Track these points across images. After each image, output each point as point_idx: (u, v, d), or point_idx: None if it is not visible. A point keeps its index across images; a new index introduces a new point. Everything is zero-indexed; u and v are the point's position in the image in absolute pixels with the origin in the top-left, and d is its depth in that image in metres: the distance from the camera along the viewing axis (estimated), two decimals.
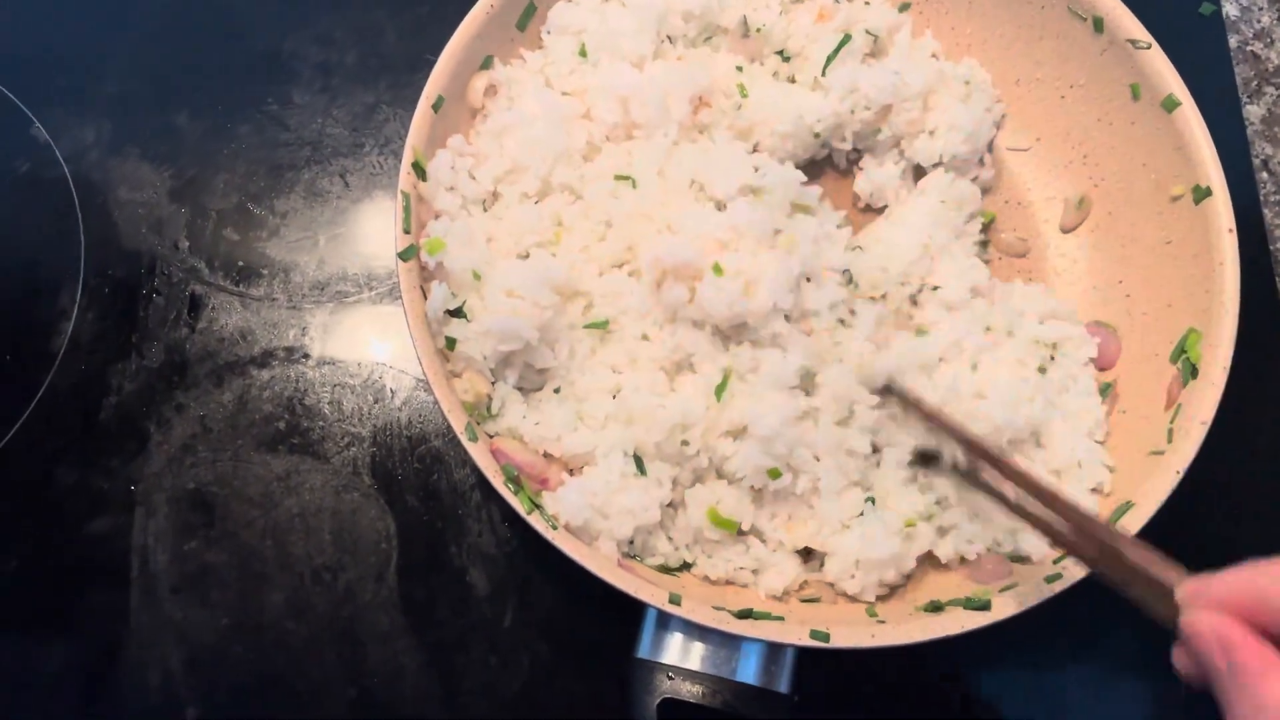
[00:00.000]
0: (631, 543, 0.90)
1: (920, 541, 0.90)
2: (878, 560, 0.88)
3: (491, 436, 0.92)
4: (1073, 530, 0.75)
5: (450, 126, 0.98)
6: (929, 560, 0.93)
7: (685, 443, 0.88)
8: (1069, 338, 0.98)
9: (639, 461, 0.88)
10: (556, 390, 0.93)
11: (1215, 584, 0.63)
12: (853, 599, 0.91)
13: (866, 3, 1.06)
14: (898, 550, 0.88)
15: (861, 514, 0.90)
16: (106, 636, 0.99)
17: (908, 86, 1.02)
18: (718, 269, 0.87)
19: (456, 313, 0.90)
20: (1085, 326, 1.00)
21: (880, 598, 0.91)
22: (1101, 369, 1.00)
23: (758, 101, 1.01)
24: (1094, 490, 0.93)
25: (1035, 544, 0.90)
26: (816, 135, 1.01)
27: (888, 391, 0.91)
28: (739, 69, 1.04)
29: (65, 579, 1.01)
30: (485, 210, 0.97)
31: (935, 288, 0.97)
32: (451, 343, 0.90)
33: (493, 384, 0.92)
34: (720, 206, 0.93)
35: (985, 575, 0.90)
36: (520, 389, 0.93)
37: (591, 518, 0.87)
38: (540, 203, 0.96)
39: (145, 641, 0.99)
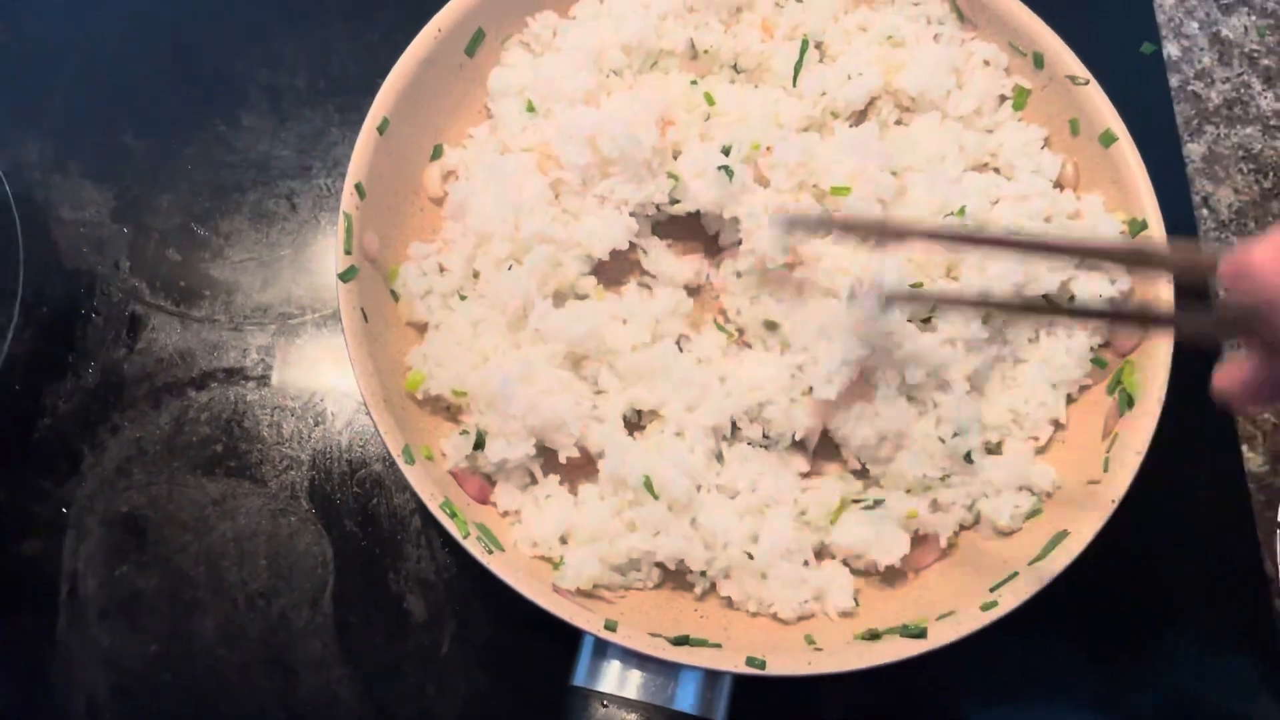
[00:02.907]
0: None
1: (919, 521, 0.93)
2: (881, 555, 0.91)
3: None
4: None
5: (406, 221, 1.00)
6: None
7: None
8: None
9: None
10: None
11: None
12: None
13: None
14: (904, 547, 0.91)
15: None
16: (31, 661, 0.96)
17: (871, 85, 1.01)
18: None
19: (477, 444, 0.91)
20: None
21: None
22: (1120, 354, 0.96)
23: (726, 107, 0.99)
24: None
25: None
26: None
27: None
28: (693, 83, 1.02)
29: None
30: (463, 299, 0.96)
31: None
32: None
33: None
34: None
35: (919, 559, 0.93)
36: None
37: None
38: (514, 268, 0.94)
39: (72, 667, 0.96)
